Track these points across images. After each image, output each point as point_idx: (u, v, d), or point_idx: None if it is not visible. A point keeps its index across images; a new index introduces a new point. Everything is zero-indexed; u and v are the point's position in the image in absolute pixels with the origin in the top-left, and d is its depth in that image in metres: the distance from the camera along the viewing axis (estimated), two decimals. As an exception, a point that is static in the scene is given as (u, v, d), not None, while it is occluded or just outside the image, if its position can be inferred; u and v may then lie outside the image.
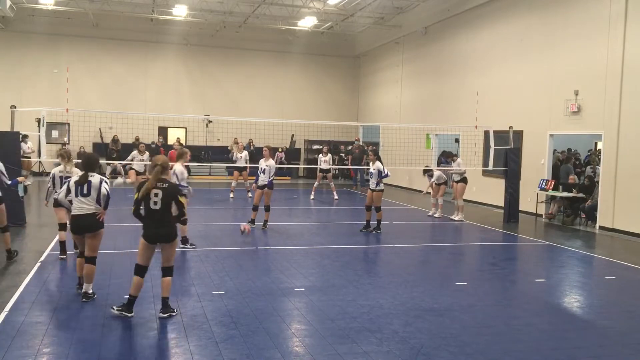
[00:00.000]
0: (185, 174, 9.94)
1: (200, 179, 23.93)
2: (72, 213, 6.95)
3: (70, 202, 6.99)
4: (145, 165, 15.42)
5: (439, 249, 11.26)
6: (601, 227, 13.68)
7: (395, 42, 24.56)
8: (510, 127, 15.34)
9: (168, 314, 6.31)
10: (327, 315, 6.56)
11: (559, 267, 9.81)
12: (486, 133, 16.78)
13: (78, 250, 7.27)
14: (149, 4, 22.99)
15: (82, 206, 6.84)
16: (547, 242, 12.00)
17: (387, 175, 12.24)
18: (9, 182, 8.93)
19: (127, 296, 6.37)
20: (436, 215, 15.22)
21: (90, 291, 6.92)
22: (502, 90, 17.42)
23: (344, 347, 5.56)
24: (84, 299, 6.81)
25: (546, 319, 6.78)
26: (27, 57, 24.66)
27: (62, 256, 8.91)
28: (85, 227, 6.88)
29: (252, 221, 12.31)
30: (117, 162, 19.90)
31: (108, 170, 22.05)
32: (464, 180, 14.64)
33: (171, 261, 6.41)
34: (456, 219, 14.66)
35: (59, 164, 8.85)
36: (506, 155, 14.87)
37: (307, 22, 24.32)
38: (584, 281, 9.03)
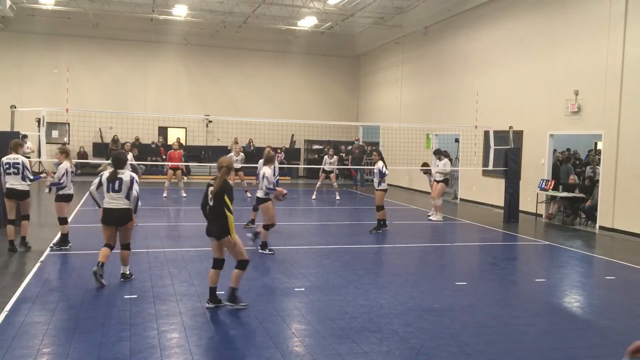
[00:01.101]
0: (272, 177, 10.17)
1: (200, 179, 23.92)
2: (104, 206, 7.51)
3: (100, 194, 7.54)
4: (138, 165, 15.26)
5: (439, 249, 11.26)
6: (601, 227, 13.68)
7: (395, 42, 24.55)
8: (510, 127, 15.35)
9: (233, 304, 6.66)
10: (327, 315, 6.56)
11: (559, 267, 9.81)
12: (486, 133, 16.79)
13: (105, 243, 7.66)
14: (149, 4, 22.99)
15: (113, 201, 7.49)
16: (547, 242, 12.00)
17: (385, 174, 12.33)
18: (32, 177, 9.37)
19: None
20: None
21: (128, 272, 7.81)
22: (502, 90, 17.42)
23: (344, 347, 5.56)
24: (122, 279, 7.71)
25: (546, 319, 6.78)
26: (27, 57, 24.68)
27: (69, 245, 9.71)
28: (116, 219, 7.52)
29: (252, 221, 12.34)
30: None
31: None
32: (445, 181, 14.63)
33: (221, 254, 6.71)
34: (434, 219, 14.60)
35: (59, 163, 9.22)
36: (506, 155, 14.87)
37: (307, 22, 24.33)
38: (584, 281, 9.03)
